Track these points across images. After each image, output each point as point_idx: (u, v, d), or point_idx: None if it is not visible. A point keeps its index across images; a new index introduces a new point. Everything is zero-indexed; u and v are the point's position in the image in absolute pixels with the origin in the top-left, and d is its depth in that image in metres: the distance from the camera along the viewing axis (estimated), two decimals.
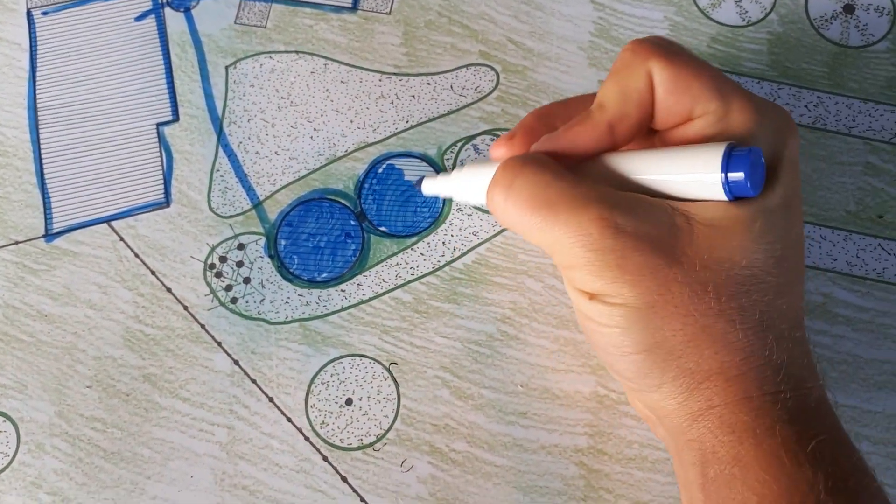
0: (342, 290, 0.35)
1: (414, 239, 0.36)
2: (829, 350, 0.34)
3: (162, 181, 0.37)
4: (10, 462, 0.33)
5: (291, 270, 0.35)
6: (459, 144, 0.37)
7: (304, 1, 0.39)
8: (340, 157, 0.37)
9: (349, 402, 0.34)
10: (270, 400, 0.34)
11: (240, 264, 0.35)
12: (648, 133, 0.30)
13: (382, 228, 0.36)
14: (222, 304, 0.35)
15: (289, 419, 0.34)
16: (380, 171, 0.37)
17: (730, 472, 0.25)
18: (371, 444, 0.33)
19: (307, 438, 0.33)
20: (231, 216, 0.36)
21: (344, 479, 0.33)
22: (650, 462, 0.33)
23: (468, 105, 0.38)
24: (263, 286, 0.35)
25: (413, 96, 0.38)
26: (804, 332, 0.27)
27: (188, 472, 0.33)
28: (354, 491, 0.33)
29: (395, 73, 0.38)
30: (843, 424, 0.32)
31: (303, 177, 0.37)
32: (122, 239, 0.36)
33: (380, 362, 0.34)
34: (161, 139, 0.37)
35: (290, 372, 0.34)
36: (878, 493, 0.25)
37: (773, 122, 0.27)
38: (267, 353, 0.34)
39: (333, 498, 0.33)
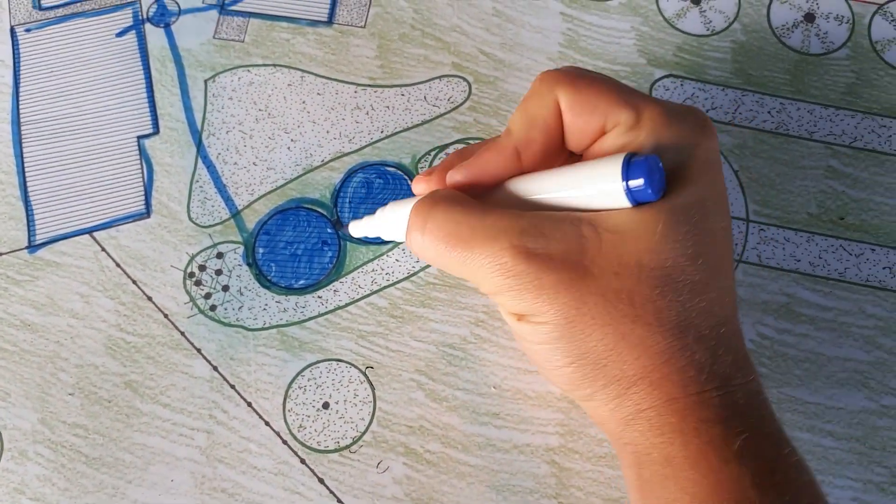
0: (319, 297, 0.36)
1: (389, 245, 0.37)
2: (794, 348, 0.35)
3: (142, 192, 0.38)
4: None
5: (269, 278, 0.36)
6: (433, 153, 0.38)
7: (281, 15, 0.40)
8: (317, 167, 0.38)
9: (326, 405, 0.35)
10: (249, 405, 0.35)
11: (219, 272, 0.36)
12: (571, 157, 0.30)
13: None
14: (202, 312, 0.36)
15: (267, 423, 0.34)
16: (355, 180, 0.38)
17: (662, 473, 0.25)
18: (347, 447, 0.34)
19: (285, 442, 0.34)
20: (210, 226, 0.37)
21: (321, 481, 0.34)
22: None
23: (441, 115, 0.39)
24: (242, 293, 0.36)
25: (387, 107, 0.39)
26: (733, 327, 0.27)
27: (168, 476, 0.34)
28: (331, 492, 0.33)
29: (369, 85, 0.39)
30: (806, 421, 0.34)
31: (280, 186, 0.38)
32: (103, 249, 0.37)
33: (356, 366, 0.35)
34: (142, 151, 0.38)
35: (268, 377, 0.35)
36: (808, 486, 0.25)
37: (684, 125, 0.27)
38: (245, 359, 0.35)
39: (311, 500, 0.33)
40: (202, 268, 0.36)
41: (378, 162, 0.38)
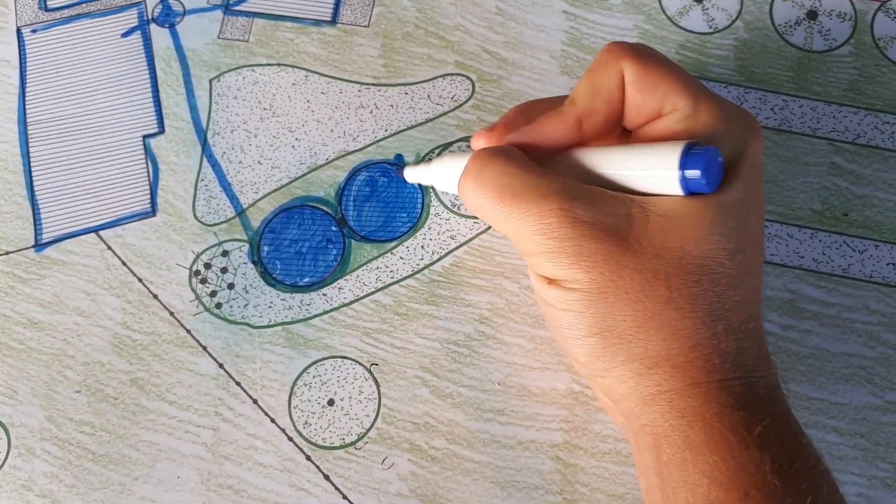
0: (324, 294, 0.36)
1: (393, 243, 0.37)
2: (797, 345, 0.35)
3: (148, 191, 0.38)
4: (1, 466, 0.34)
5: (274, 276, 0.36)
6: (437, 152, 0.38)
7: (285, 15, 0.40)
8: (321, 166, 0.38)
9: (331, 402, 0.35)
10: (254, 402, 0.35)
11: (224, 270, 0.36)
12: (623, 133, 0.31)
13: (363, 234, 0.37)
14: (207, 310, 0.36)
15: (272, 420, 0.35)
16: (360, 178, 0.38)
17: (681, 456, 0.25)
18: (353, 443, 0.34)
19: (290, 438, 0.34)
20: (215, 224, 0.37)
21: (327, 478, 0.34)
22: (624, 456, 0.34)
23: (445, 113, 0.39)
24: (247, 291, 0.36)
25: (391, 106, 0.39)
26: (758, 324, 0.28)
27: (175, 472, 0.34)
28: (337, 489, 0.34)
29: (373, 84, 0.39)
30: (810, 416, 0.34)
31: (285, 185, 0.38)
32: (109, 248, 0.37)
33: (361, 363, 0.35)
34: (147, 151, 0.39)
35: (273, 374, 0.35)
36: (825, 475, 0.26)
37: (737, 123, 0.28)
38: (251, 357, 0.35)
39: (316, 496, 0.33)
40: (207, 266, 0.37)
41: (382, 160, 0.38)
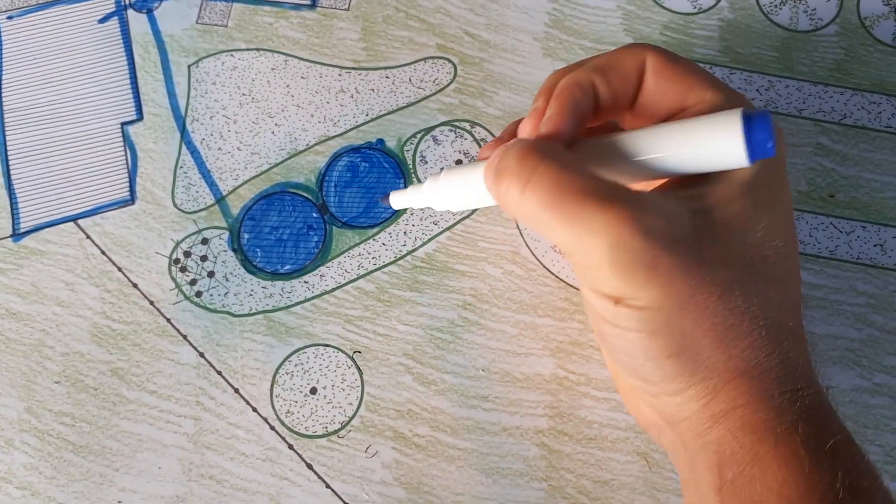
0: (305, 282, 0.36)
1: (375, 229, 0.36)
2: None
3: (127, 179, 0.37)
4: None
5: (255, 263, 0.36)
6: (419, 136, 0.38)
7: None
8: (302, 151, 0.37)
9: (314, 390, 0.34)
10: (236, 391, 0.34)
11: (204, 258, 0.36)
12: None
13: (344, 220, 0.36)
14: (187, 298, 0.36)
15: (254, 409, 0.34)
16: (341, 163, 0.37)
17: (749, 473, 0.24)
18: (336, 432, 0.34)
19: (273, 427, 0.34)
20: (195, 212, 0.37)
21: (309, 467, 0.33)
22: (610, 441, 0.33)
23: (427, 97, 0.38)
24: (227, 279, 0.36)
25: (372, 90, 0.38)
26: (803, 330, 0.27)
27: (156, 463, 0.33)
28: (320, 478, 0.33)
29: (354, 68, 0.39)
30: None
31: (265, 171, 0.37)
32: (88, 237, 0.37)
33: (343, 351, 0.35)
34: (125, 138, 0.38)
35: (254, 363, 0.35)
36: (887, 495, 0.24)
37: None
38: (232, 345, 0.35)
39: (299, 485, 0.33)
40: (187, 254, 0.36)
41: (363, 145, 0.37)
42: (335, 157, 0.37)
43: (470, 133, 0.38)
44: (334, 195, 0.37)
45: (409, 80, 0.38)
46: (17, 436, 0.34)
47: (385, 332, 0.35)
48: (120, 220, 0.37)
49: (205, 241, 0.36)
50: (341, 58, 0.39)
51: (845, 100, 0.38)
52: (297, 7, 0.40)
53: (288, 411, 0.34)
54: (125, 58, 0.39)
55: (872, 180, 0.37)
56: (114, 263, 0.36)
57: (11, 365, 0.35)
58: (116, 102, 0.39)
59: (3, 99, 0.39)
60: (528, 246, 0.36)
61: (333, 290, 0.36)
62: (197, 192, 0.37)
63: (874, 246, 0.36)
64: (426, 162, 0.37)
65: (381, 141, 0.37)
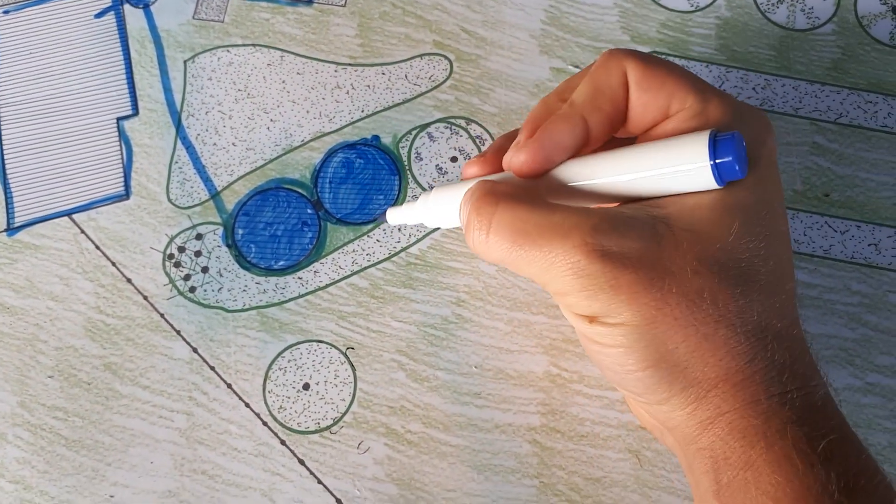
0: (299, 278, 0.36)
1: (370, 226, 0.36)
2: None
3: (122, 174, 0.37)
4: None
5: (249, 259, 0.36)
6: (414, 132, 0.38)
7: None
8: (297, 147, 0.37)
9: (306, 386, 0.34)
10: (229, 386, 0.34)
11: (198, 254, 0.36)
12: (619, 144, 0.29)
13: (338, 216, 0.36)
14: (181, 294, 0.36)
15: (247, 404, 0.34)
16: (336, 159, 0.37)
17: (743, 478, 0.24)
18: (328, 428, 0.34)
19: (265, 423, 0.34)
20: (189, 207, 0.37)
21: (301, 462, 0.33)
22: (602, 439, 0.33)
23: (422, 94, 0.38)
24: (221, 275, 0.36)
25: (368, 86, 0.38)
26: (800, 329, 0.26)
27: (148, 458, 0.34)
28: (312, 473, 0.33)
29: (350, 64, 0.39)
30: None
31: (260, 167, 0.37)
32: (83, 231, 0.37)
33: (337, 347, 0.35)
34: (121, 133, 0.38)
35: (247, 358, 0.35)
36: (889, 490, 0.24)
37: (750, 120, 0.27)
38: (225, 341, 0.35)
39: (291, 481, 0.33)
40: (181, 249, 0.36)
41: (358, 141, 0.37)
42: (330, 154, 0.37)
43: (465, 130, 0.38)
44: (329, 191, 0.37)
45: (406, 76, 0.38)
46: (10, 430, 0.34)
47: (378, 328, 0.35)
48: (114, 214, 0.37)
49: (199, 237, 0.36)
50: (337, 54, 0.39)
51: (842, 99, 0.38)
52: (294, 3, 0.40)
53: (280, 407, 0.34)
54: (121, 53, 0.39)
55: (868, 180, 0.36)
56: (108, 258, 0.36)
57: (5, 359, 0.35)
58: (112, 97, 0.39)
59: (0, 93, 0.39)
60: None
61: (327, 286, 0.36)
62: (192, 187, 0.37)
63: (868, 245, 0.36)
64: (421, 159, 0.37)
65: (376, 137, 0.37)
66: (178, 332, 0.35)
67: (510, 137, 0.30)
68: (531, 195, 0.27)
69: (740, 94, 0.38)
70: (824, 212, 0.36)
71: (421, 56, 0.39)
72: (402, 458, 0.33)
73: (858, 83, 0.38)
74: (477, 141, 0.37)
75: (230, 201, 0.37)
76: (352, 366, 0.35)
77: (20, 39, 0.40)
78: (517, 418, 0.34)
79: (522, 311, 0.35)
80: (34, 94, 0.39)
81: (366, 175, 0.37)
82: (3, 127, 0.38)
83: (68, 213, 0.37)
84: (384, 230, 0.36)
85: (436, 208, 0.30)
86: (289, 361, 0.35)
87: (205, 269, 0.36)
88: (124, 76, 0.39)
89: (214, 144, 0.38)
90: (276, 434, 0.34)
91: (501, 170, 0.29)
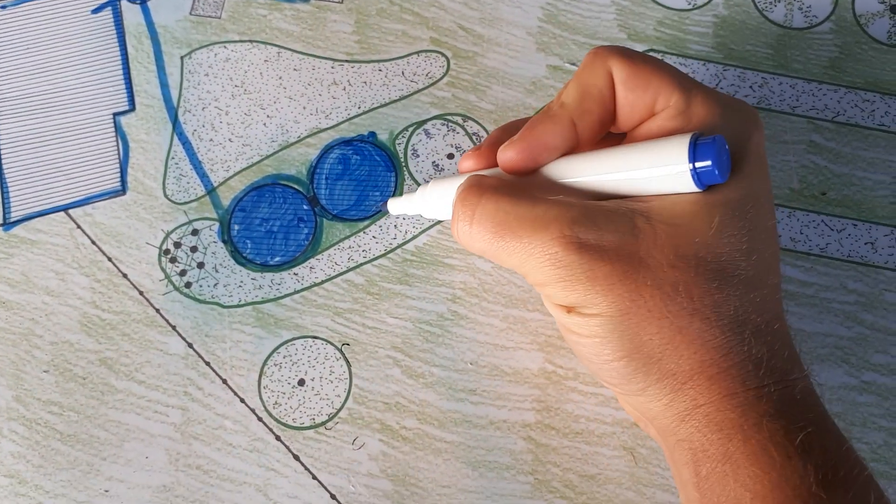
0: (295, 274, 0.36)
1: (366, 222, 0.36)
2: None
3: (118, 170, 0.37)
4: None
5: (245, 255, 0.36)
6: (411, 129, 0.38)
7: None
8: (293, 143, 0.37)
9: (301, 382, 0.34)
10: (224, 381, 0.34)
11: (194, 249, 0.36)
12: (614, 139, 0.30)
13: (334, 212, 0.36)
14: (177, 289, 0.36)
15: (242, 400, 0.34)
16: (332, 156, 0.37)
17: (721, 470, 0.24)
18: (323, 423, 0.34)
19: (260, 419, 0.34)
20: (185, 202, 0.37)
21: (296, 458, 0.33)
22: (597, 436, 0.33)
23: (419, 90, 0.38)
24: (217, 270, 0.36)
25: (365, 83, 0.38)
26: (784, 324, 0.26)
27: (143, 452, 0.33)
28: (307, 469, 0.33)
29: (347, 61, 0.39)
30: None
31: (256, 163, 0.37)
32: (79, 226, 0.37)
33: (332, 343, 0.35)
34: (117, 129, 0.38)
35: (243, 354, 0.35)
36: (868, 481, 0.24)
37: (736, 115, 0.27)
38: (220, 336, 0.35)
39: (286, 476, 0.33)
40: (177, 245, 0.36)
41: (354, 138, 0.37)
42: (327, 150, 0.37)
43: (462, 127, 0.38)
44: (325, 187, 0.37)
45: (402, 73, 0.38)
46: (5, 424, 0.34)
47: (374, 324, 0.35)
48: (111, 210, 0.37)
49: (195, 232, 0.36)
50: (334, 50, 0.39)
51: (839, 97, 0.38)
52: None
53: (275, 402, 0.34)
54: (118, 48, 0.39)
55: (864, 178, 0.36)
56: (104, 253, 0.36)
57: (0, 354, 0.35)
58: (109, 93, 0.39)
59: None
60: None
61: (323, 282, 0.36)
62: (188, 183, 0.37)
63: (865, 244, 0.36)
64: (418, 155, 0.37)
65: (372, 134, 0.37)
66: (174, 328, 0.35)
67: (506, 130, 0.31)
68: (517, 189, 0.27)
69: (737, 93, 0.38)
70: (821, 210, 0.36)
71: (418, 53, 0.39)
72: (397, 454, 0.33)
73: (856, 82, 0.38)
74: (473, 138, 0.37)
75: (226, 197, 0.37)
76: (347, 362, 0.35)
77: (17, 35, 0.40)
78: (512, 415, 0.34)
79: (518, 307, 0.35)
80: (31, 90, 0.39)
81: (362, 171, 0.37)
82: (0, 122, 0.38)
83: (64, 209, 0.37)
84: (380, 227, 0.36)
85: (432, 200, 0.31)
86: (284, 357, 0.35)
87: (201, 265, 0.36)
88: (121, 72, 0.39)
89: (211, 140, 0.38)
90: (270, 430, 0.34)
91: (496, 163, 0.29)
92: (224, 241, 0.36)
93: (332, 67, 0.38)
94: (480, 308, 0.35)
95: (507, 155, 0.28)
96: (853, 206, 0.36)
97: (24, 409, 0.34)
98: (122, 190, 0.37)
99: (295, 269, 0.36)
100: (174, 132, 0.38)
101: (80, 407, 0.34)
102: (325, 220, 0.36)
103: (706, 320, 0.25)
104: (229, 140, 0.37)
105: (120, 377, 0.34)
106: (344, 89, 0.38)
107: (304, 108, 0.38)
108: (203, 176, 0.37)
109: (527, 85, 0.38)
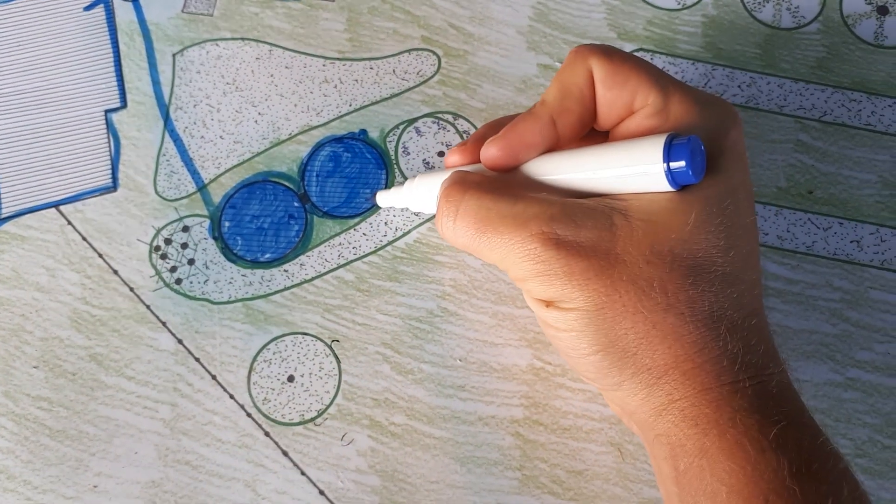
0: (285, 271, 0.36)
1: (356, 219, 0.37)
2: None
3: (109, 166, 0.38)
4: None
5: (235, 251, 0.36)
6: (402, 127, 0.38)
7: None
8: (284, 141, 0.38)
9: (291, 378, 0.34)
10: (213, 377, 0.34)
11: (184, 246, 0.36)
12: (598, 136, 0.30)
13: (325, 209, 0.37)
14: (167, 286, 0.36)
15: (231, 396, 0.34)
16: (323, 153, 0.37)
17: (698, 464, 0.25)
18: (312, 419, 0.34)
19: (249, 414, 0.34)
20: (176, 199, 0.37)
21: (285, 454, 0.33)
22: (584, 432, 0.34)
23: (410, 89, 0.38)
24: (207, 267, 0.36)
25: (356, 80, 0.38)
26: (762, 319, 0.27)
27: (132, 448, 0.34)
28: (295, 465, 0.33)
29: (338, 59, 0.39)
30: None
31: (247, 160, 0.37)
32: (70, 223, 0.37)
33: (322, 340, 0.35)
34: (109, 125, 0.38)
35: (233, 350, 0.35)
36: (844, 473, 0.25)
37: (713, 112, 0.27)
38: (210, 333, 0.35)
39: (275, 472, 0.33)
40: (168, 241, 0.36)
41: (345, 135, 0.38)
42: (317, 147, 0.37)
43: (453, 125, 0.38)
44: (316, 185, 0.37)
45: (394, 71, 0.39)
46: None
47: (364, 321, 0.35)
48: (101, 206, 0.37)
49: (186, 229, 0.36)
50: (326, 48, 0.39)
51: (826, 97, 0.38)
52: None
53: (265, 399, 0.34)
54: (110, 46, 0.39)
55: (851, 177, 0.37)
56: (94, 250, 0.36)
57: None
58: (100, 90, 0.39)
59: None
60: None
61: (313, 279, 0.36)
62: (179, 179, 0.37)
63: (850, 242, 0.36)
64: (408, 153, 0.37)
65: (363, 131, 0.38)
66: (164, 324, 0.35)
67: (492, 127, 0.31)
68: (499, 186, 0.28)
69: (725, 92, 0.38)
70: (808, 209, 0.36)
71: (409, 51, 0.39)
72: (386, 449, 0.33)
73: (843, 82, 0.38)
74: (464, 136, 0.38)
75: (217, 194, 0.37)
76: (336, 358, 0.35)
77: (9, 31, 0.40)
78: (500, 411, 0.34)
79: (507, 304, 0.35)
80: (23, 86, 0.39)
81: (353, 169, 0.37)
82: None
83: (55, 205, 0.37)
84: (370, 224, 0.36)
85: (419, 193, 0.32)
86: (274, 353, 0.35)
87: (191, 261, 0.36)
88: (113, 69, 0.39)
89: (202, 137, 0.38)
90: (260, 425, 0.34)
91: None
92: (215, 238, 0.36)
93: (324, 65, 0.39)
94: (470, 305, 0.35)
95: (490, 152, 0.29)
96: (839, 205, 0.36)
97: (14, 404, 0.34)
98: (114, 186, 0.37)
99: (285, 266, 0.36)
100: (165, 129, 0.38)
101: (70, 403, 0.34)
102: (315, 217, 0.37)
103: (680, 316, 0.25)
104: (220, 137, 0.38)
105: (110, 373, 0.35)
106: (335, 87, 0.38)
107: (296, 105, 0.38)
108: (194, 173, 0.37)
109: (517, 83, 0.38)
